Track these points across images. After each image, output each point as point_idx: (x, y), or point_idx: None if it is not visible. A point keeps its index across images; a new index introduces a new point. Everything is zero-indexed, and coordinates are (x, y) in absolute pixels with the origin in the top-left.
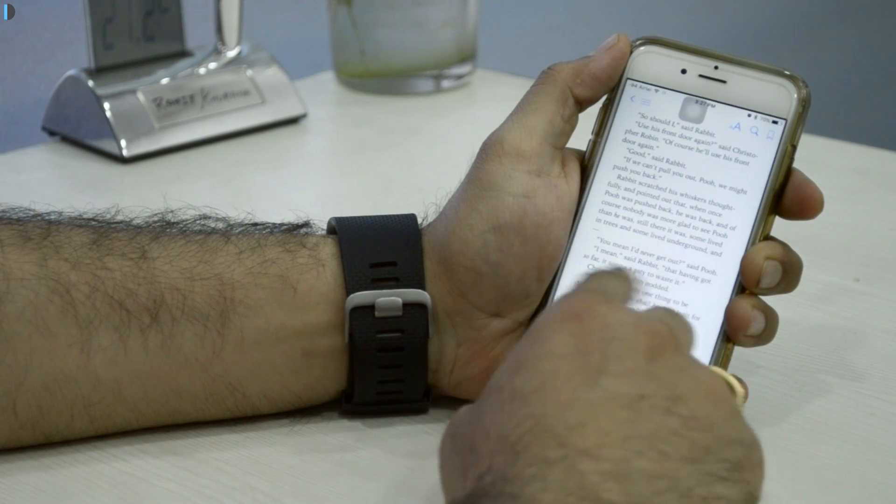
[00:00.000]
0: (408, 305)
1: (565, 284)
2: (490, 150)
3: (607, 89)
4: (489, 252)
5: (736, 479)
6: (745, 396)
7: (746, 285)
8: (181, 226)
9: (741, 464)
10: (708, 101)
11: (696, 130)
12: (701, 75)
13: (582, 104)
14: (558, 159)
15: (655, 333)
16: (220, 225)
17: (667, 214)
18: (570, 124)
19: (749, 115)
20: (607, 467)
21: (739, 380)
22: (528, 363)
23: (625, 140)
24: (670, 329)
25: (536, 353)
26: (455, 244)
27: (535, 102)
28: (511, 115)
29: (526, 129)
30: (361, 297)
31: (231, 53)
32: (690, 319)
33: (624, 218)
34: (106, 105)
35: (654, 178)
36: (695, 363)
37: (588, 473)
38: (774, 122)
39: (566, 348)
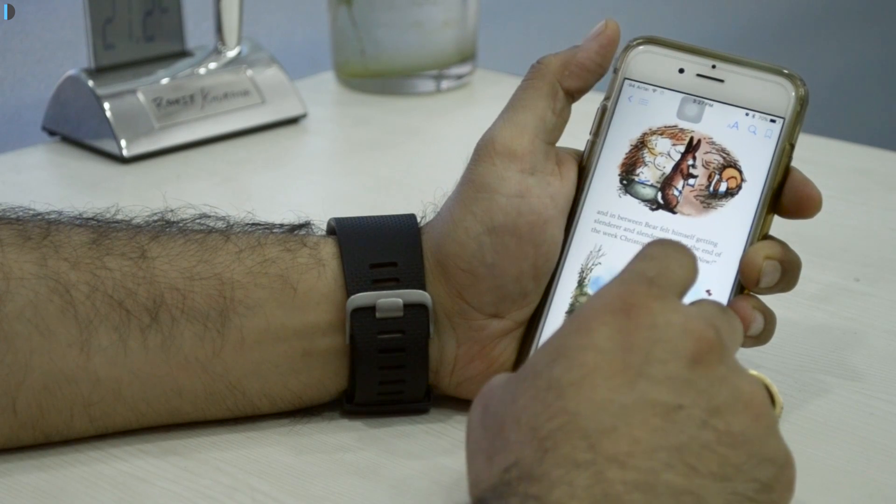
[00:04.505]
0: (409, 306)
1: (565, 284)
2: (482, 150)
3: (597, 78)
4: (485, 254)
5: (764, 500)
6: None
7: (746, 285)
8: (181, 225)
9: (770, 484)
10: (706, 101)
11: (695, 130)
12: (699, 74)
13: (573, 95)
14: (552, 155)
15: (701, 339)
16: (220, 224)
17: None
18: (562, 118)
19: (747, 114)
20: (634, 477)
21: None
22: (569, 352)
23: (623, 140)
24: (718, 334)
25: (579, 344)
26: (451, 247)
27: (524, 99)
28: (502, 113)
29: (517, 126)
30: (363, 298)
31: (231, 53)
32: None
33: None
34: (106, 105)
35: (652, 178)
36: (737, 372)
37: (614, 482)
38: (772, 121)
39: (609, 344)
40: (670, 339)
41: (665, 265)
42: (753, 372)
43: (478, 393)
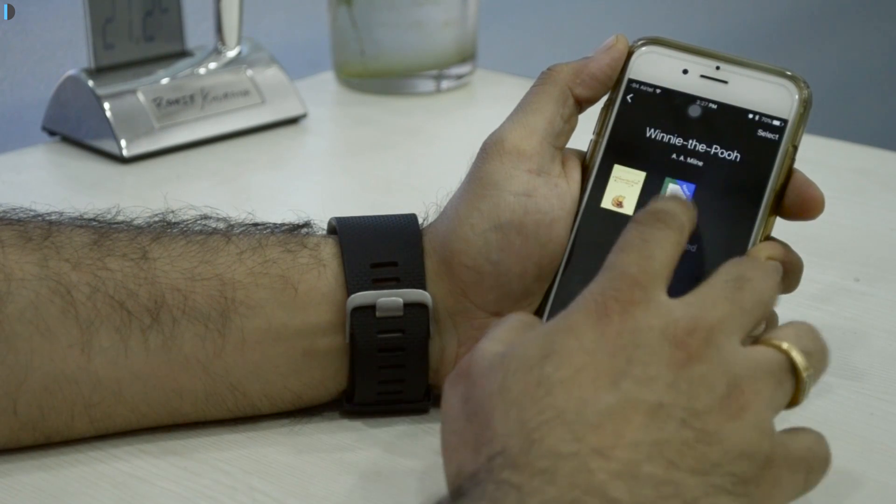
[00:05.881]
0: (409, 305)
1: (567, 284)
2: (490, 149)
3: (606, 89)
4: (490, 251)
5: (740, 492)
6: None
7: None
8: (182, 226)
9: (747, 479)
10: (709, 102)
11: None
12: (702, 76)
13: (582, 104)
14: (558, 159)
15: (680, 343)
16: (221, 225)
17: None
18: (570, 124)
19: (750, 116)
20: (616, 467)
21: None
22: (559, 352)
23: (625, 140)
24: (707, 335)
25: (569, 345)
26: (456, 243)
27: (535, 102)
28: (511, 114)
29: (526, 128)
30: (363, 297)
31: (231, 53)
32: None
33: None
34: (106, 105)
35: (655, 178)
36: (720, 368)
37: (597, 471)
38: (776, 123)
39: (595, 346)
40: (650, 344)
41: (645, 254)
42: (783, 345)
43: (453, 375)
